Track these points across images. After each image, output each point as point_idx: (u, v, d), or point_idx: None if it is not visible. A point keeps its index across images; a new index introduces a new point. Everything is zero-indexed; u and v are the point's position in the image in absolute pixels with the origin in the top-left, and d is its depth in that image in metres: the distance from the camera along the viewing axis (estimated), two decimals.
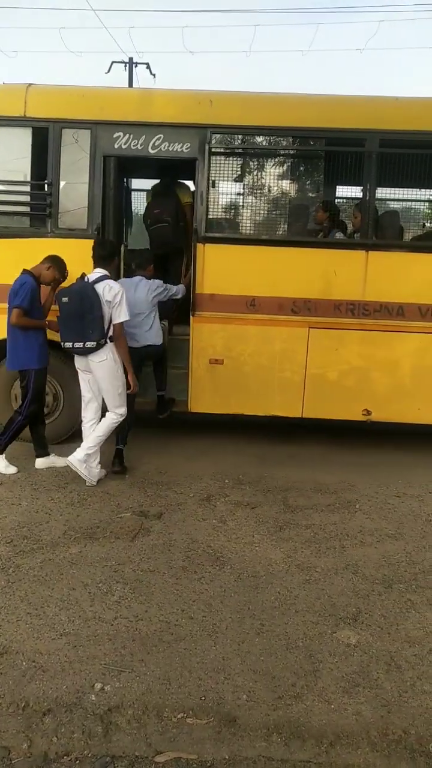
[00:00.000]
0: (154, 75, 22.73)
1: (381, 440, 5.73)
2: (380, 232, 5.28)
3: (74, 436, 5.11)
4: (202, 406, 5.23)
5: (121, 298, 4.33)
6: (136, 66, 21.42)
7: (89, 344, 4.28)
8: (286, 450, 5.47)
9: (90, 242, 4.78)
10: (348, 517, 4.17)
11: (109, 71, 20.96)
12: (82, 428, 4.56)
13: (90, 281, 4.37)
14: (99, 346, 4.29)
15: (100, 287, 4.31)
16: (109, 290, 4.32)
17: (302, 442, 5.64)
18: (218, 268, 5.07)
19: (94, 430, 4.49)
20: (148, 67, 21.87)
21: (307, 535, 3.88)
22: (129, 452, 4.82)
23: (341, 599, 3.20)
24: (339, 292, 5.05)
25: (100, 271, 4.44)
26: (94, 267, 4.49)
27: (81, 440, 4.56)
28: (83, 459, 4.40)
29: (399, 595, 3.26)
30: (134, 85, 20.06)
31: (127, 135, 4.99)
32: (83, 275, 4.48)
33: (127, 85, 19.83)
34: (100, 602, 3.07)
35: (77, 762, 2.18)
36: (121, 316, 4.34)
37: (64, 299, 4.30)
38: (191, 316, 5.10)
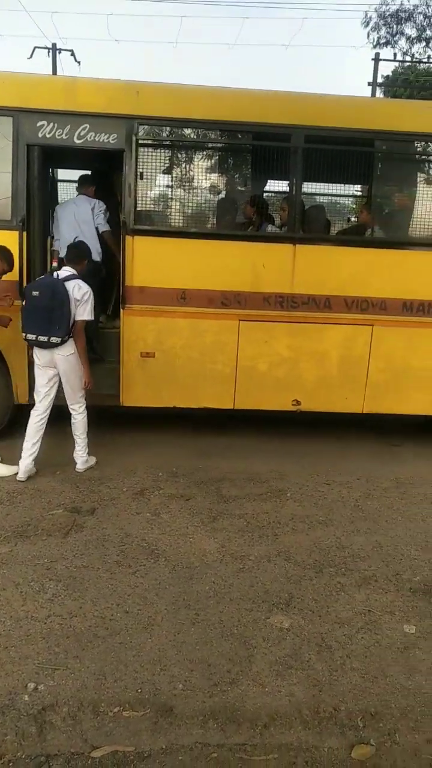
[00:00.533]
0: (78, 62, 22.25)
1: (311, 429, 5.87)
2: (307, 225, 5.39)
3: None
4: (134, 399, 5.20)
5: (88, 298, 4.46)
6: (59, 52, 20.88)
7: (54, 339, 4.35)
8: (220, 441, 5.53)
9: (14, 234, 4.65)
10: (280, 506, 4.27)
11: (31, 56, 20.34)
12: (30, 421, 4.48)
13: (61, 278, 4.44)
14: (62, 342, 4.38)
15: (69, 285, 4.41)
16: (78, 289, 4.43)
17: (236, 433, 5.71)
18: (148, 260, 5.04)
19: (76, 428, 4.61)
20: (73, 54, 21.37)
21: (241, 525, 3.94)
22: (61, 449, 4.74)
23: (274, 585, 3.28)
24: (268, 285, 5.13)
25: (69, 270, 4.54)
26: (65, 266, 4.61)
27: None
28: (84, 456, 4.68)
29: (329, 579, 3.37)
30: (58, 72, 19.57)
31: (52, 124, 4.86)
32: (52, 271, 4.62)
33: (50, 72, 19.30)
34: (32, 601, 3.01)
35: (11, 764, 2.14)
36: (85, 314, 4.46)
37: (35, 293, 4.37)
38: (121, 309, 5.05)
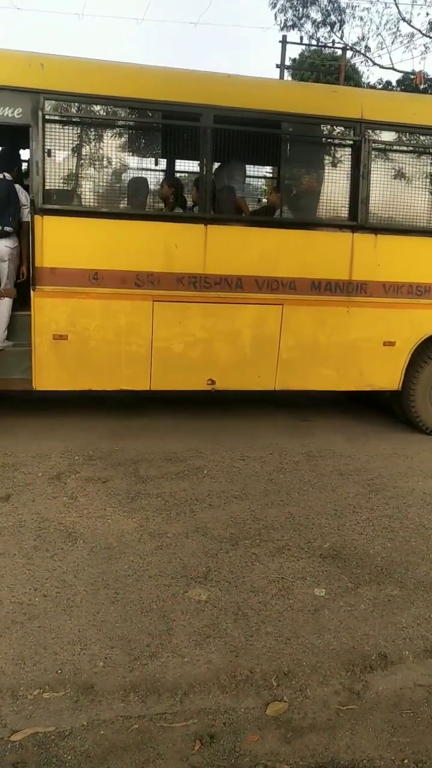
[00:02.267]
0: None
1: (226, 408, 6.00)
2: (218, 206, 5.45)
3: None
4: (47, 383, 5.10)
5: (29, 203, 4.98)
6: None
7: (8, 228, 4.89)
8: (137, 423, 5.54)
9: None
10: (197, 483, 4.36)
11: None
12: None
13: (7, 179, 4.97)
14: (6, 234, 4.91)
15: (16, 186, 4.98)
16: (23, 193, 5.00)
17: (153, 414, 5.74)
18: (58, 241, 4.93)
19: None
20: None
21: (158, 504, 4.00)
22: None
23: (192, 560, 3.36)
24: (181, 266, 5.15)
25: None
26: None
27: None
28: None
29: (245, 551, 3.50)
30: None
31: None
32: None
33: None
34: None
35: None
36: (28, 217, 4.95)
37: None
38: (32, 291, 4.92)
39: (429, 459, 5.11)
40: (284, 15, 20.66)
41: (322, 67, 22.61)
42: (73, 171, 5.23)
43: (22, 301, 5.07)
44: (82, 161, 5.23)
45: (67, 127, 5.03)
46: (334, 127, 5.59)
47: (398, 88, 21.96)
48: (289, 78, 22.54)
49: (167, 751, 2.17)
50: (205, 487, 4.30)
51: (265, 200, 6.54)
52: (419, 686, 2.52)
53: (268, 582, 3.20)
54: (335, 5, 20.13)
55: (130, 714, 2.33)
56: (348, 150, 5.49)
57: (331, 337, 5.49)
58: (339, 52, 21.94)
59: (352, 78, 22.50)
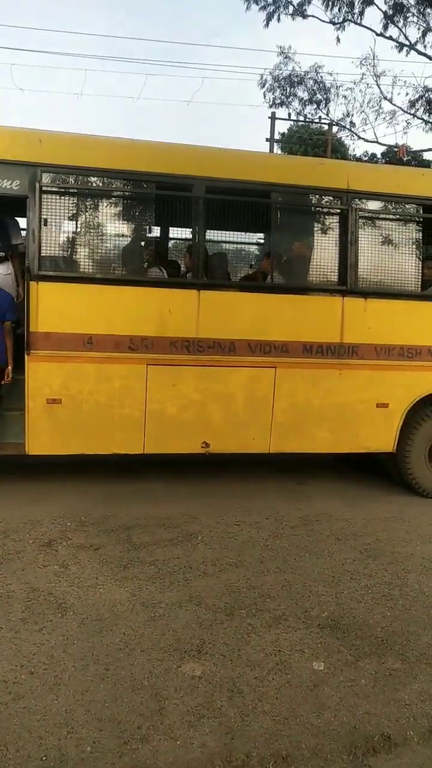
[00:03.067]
0: None
1: (220, 471, 5.93)
2: (210, 272, 5.57)
3: None
4: (41, 447, 5.05)
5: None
6: None
7: None
8: (130, 487, 5.46)
9: None
10: (191, 550, 4.25)
11: None
12: None
13: None
14: None
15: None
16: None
17: (147, 478, 5.67)
18: (53, 306, 4.99)
19: None
20: None
21: (151, 572, 3.89)
22: None
23: (186, 632, 3.24)
24: (174, 330, 5.21)
25: None
26: None
27: None
28: None
29: (240, 621, 3.38)
30: None
31: None
32: None
33: None
34: None
35: None
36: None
37: None
38: (26, 356, 4.94)
39: (427, 523, 5.03)
40: (273, 94, 21.76)
41: (310, 140, 23.68)
42: (69, 239, 5.35)
43: (15, 366, 5.08)
44: (77, 230, 5.36)
45: (63, 197, 5.19)
46: (322, 196, 5.78)
47: (383, 160, 22.98)
48: (279, 151, 23.57)
49: None
50: (200, 554, 4.20)
51: (256, 265, 6.69)
52: None
53: (264, 655, 3.08)
54: (320, 85, 21.25)
55: None
56: (336, 218, 5.67)
57: (325, 400, 5.50)
58: (326, 126, 23.02)
59: (339, 151, 23.52)
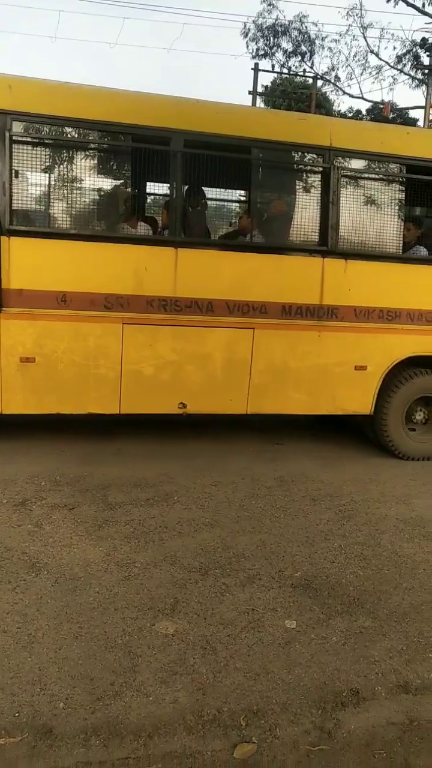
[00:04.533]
0: None
1: (197, 432, 5.92)
2: (188, 229, 5.43)
3: None
4: (14, 407, 4.97)
5: None
6: None
7: None
8: (108, 447, 5.43)
9: None
10: (167, 510, 4.26)
11: None
12: None
13: None
14: None
15: None
16: None
17: (123, 439, 5.63)
18: (25, 262, 4.84)
19: None
20: None
21: (127, 531, 3.89)
22: None
23: (160, 591, 3.26)
24: (151, 288, 5.10)
25: None
26: None
27: None
28: None
29: (214, 581, 3.40)
30: None
31: None
32: None
33: None
34: None
35: None
36: None
37: None
38: None
39: (402, 484, 5.10)
40: (256, 44, 21.11)
41: (294, 94, 23.08)
42: (41, 192, 5.16)
43: None
44: (51, 183, 5.16)
45: (35, 148, 4.98)
46: (304, 153, 5.64)
47: (368, 117, 22.53)
48: (262, 105, 22.96)
49: None
50: (175, 514, 4.20)
51: (235, 224, 6.55)
52: (392, 724, 2.45)
53: (238, 614, 3.11)
54: (305, 36, 20.63)
55: (90, 760, 2.21)
56: (318, 176, 5.54)
57: (303, 361, 5.47)
58: (310, 80, 22.45)
59: (323, 106, 23.02)
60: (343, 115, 22.46)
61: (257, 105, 21.68)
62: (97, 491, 4.47)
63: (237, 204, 7.30)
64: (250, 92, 22.46)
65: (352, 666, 2.76)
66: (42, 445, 5.30)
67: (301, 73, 22.15)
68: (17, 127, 4.81)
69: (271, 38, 20.80)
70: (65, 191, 5.25)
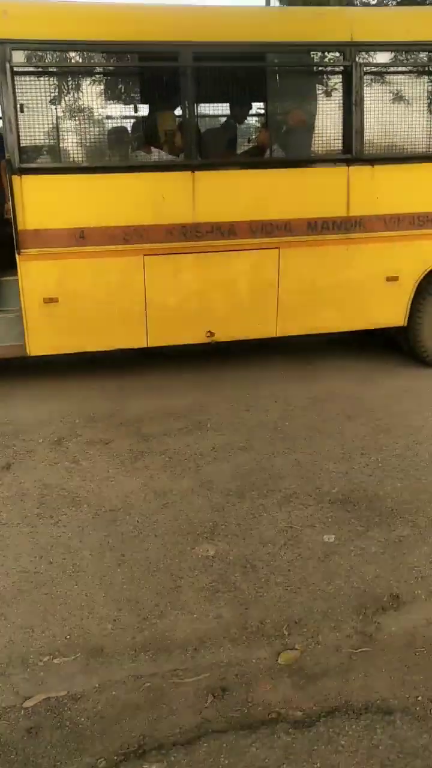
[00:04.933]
0: None
1: (227, 359, 5.87)
2: (204, 151, 5.20)
3: None
4: (41, 347, 4.99)
5: None
6: None
7: None
8: (138, 381, 5.45)
9: None
10: (201, 437, 4.29)
11: None
12: None
13: None
14: None
15: None
16: None
17: (152, 372, 5.63)
18: (39, 201, 4.74)
19: None
20: None
21: (162, 461, 3.94)
22: None
23: (198, 516, 3.32)
24: (169, 216, 4.95)
25: None
26: None
27: None
28: None
29: (251, 502, 3.44)
30: None
31: None
32: None
33: None
34: None
35: None
36: None
37: None
38: (17, 255, 4.76)
39: None
40: None
41: None
42: (49, 125, 4.98)
43: (9, 266, 4.93)
44: (57, 114, 4.97)
45: (38, 78, 4.76)
46: (323, 53, 5.27)
47: (393, 3, 20.69)
48: (277, 3, 21.38)
49: (180, 707, 2.16)
50: (209, 441, 4.23)
51: (253, 140, 6.24)
52: None
53: (276, 532, 3.15)
54: None
55: (141, 673, 2.32)
56: (339, 77, 5.16)
57: (332, 278, 5.30)
58: None
59: None
60: (366, 3, 20.71)
61: (271, 4, 20.17)
62: (131, 424, 4.52)
63: (254, 118, 6.93)
64: None
65: (391, 573, 2.78)
66: (72, 384, 5.35)
67: None
68: (18, 57, 4.60)
69: None
70: (74, 122, 5.06)
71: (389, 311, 5.47)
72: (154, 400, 4.96)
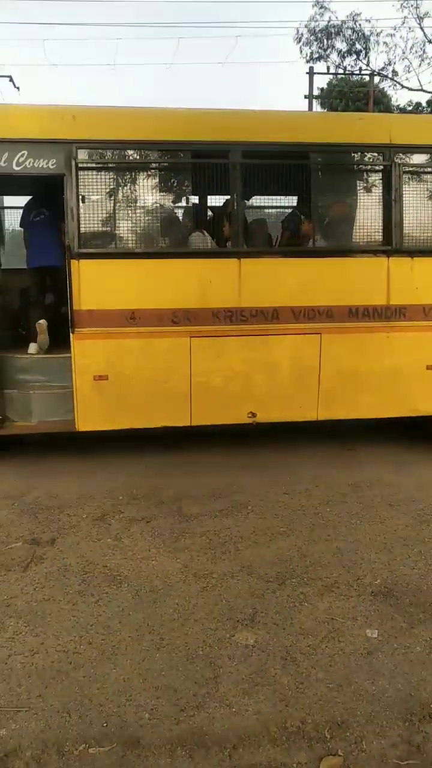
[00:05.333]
0: (18, 88, 22.00)
1: (268, 440, 5.91)
2: (250, 239, 5.47)
3: None
4: (90, 424, 5.15)
5: None
6: None
7: None
8: (179, 459, 5.52)
9: None
10: (241, 519, 4.28)
11: None
12: None
13: None
14: None
15: None
16: None
17: (194, 450, 5.70)
18: (94, 283, 5.03)
19: None
20: (11, 80, 21.08)
21: (203, 542, 3.94)
22: (16, 478, 4.66)
23: (238, 601, 3.28)
24: (216, 300, 5.17)
25: None
26: None
27: None
28: None
29: (292, 590, 3.39)
30: None
31: None
32: None
33: None
34: None
35: None
36: None
37: None
38: (71, 334, 5.01)
39: None
40: (309, 48, 20.96)
41: (351, 94, 22.73)
42: (107, 215, 5.34)
43: (62, 344, 5.16)
44: (115, 204, 5.34)
45: (99, 173, 5.17)
46: (364, 153, 5.58)
47: (428, 110, 21.86)
48: (319, 108, 22.74)
49: None
50: (250, 523, 4.22)
51: (297, 230, 6.51)
52: None
53: (317, 623, 3.08)
54: (359, 34, 20.30)
55: None
56: (379, 175, 5.46)
57: (372, 364, 5.38)
58: (367, 78, 22.06)
59: (381, 102, 22.53)
60: (402, 110, 21.93)
61: (314, 109, 21.50)
62: (172, 503, 4.55)
63: (298, 210, 7.26)
64: (306, 96, 22.34)
65: None
66: (115, 460, 5.45)
67: (357, 72, 21.79)
68: (82, 155, 5.01)
69: (325, 40, 20.57)
70: (129, 211, 5.41)
71: (429, 399, 5.49)
72: (195, 479, 5.00)
